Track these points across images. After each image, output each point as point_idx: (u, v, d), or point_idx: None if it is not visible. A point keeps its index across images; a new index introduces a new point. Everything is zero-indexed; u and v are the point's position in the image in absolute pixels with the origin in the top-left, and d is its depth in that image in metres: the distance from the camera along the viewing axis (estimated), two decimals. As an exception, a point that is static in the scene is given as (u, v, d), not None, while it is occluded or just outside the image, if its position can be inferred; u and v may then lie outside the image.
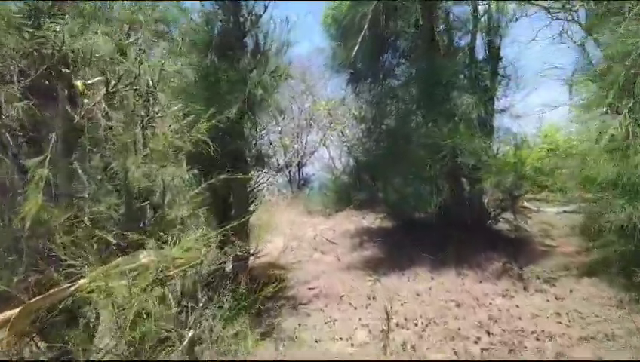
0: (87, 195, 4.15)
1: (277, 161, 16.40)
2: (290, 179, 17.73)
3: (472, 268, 6.68)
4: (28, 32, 3.90)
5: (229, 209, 6.87)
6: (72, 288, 3.46)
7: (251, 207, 7.08)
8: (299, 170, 17.50)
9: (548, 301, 5.71)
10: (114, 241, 4.00)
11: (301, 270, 7.28)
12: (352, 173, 11.03)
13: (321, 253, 7.92)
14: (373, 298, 6.09)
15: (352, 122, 13.24)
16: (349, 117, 13.35)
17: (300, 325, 5.59)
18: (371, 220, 9.27)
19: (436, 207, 7.48)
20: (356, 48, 8.14)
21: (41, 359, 3.66)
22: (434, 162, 7.02)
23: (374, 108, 10.64)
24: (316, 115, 14.99)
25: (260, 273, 6.99)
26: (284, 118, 16.70)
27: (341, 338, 5.21)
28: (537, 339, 4.86)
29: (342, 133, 14.18)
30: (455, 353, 4.73)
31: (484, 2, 8.28)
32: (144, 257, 3.78)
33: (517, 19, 8.05)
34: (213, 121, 4.67)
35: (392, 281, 6.59)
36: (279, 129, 17.17)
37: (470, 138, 6.88)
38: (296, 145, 15.02)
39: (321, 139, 14.92)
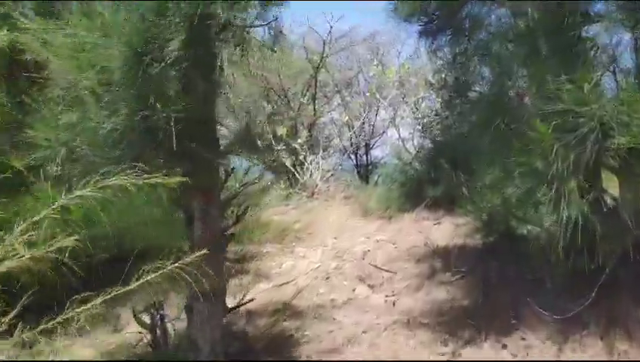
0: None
1: (340, 142, 13.50)
2: (357, 164, 14.73)
3: (635, 339, 3.52)
4: None
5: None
6: None
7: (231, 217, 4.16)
8: (366, 154, 14.46)
9: None
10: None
11: (329, 323, 4.38)
12: (426, 159, 7.90)
13: (369, 288, 4.96)
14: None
15: (427, 92, 10.04)
16: (424, 86, 10.13)
17: None
18: (450, 230, 6.13)
19: (562, 221, 4.26)
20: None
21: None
22: (563, 147, 3.83)
23: (457, 71, 7.47)
24: (385, 85, 11.87)
25: (256, 330, 4.18)
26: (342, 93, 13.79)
27: None
28: None
29: (416, 107, 11.02)
30: None
31: None
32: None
33: None
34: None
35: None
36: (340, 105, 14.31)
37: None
38: (356, 124, 11.95)
39: (391, 116, 11.77)
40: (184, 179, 2.39)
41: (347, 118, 11.79)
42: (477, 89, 6.92)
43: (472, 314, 4.18)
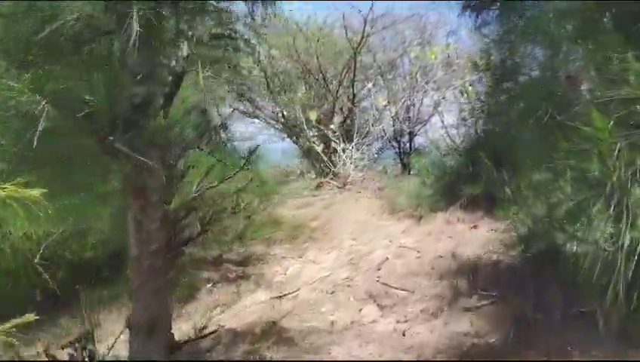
0: None
1: (382, 128, 12.52)
2: (400, 152, 13.73)
3: None
4: None
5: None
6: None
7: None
8: (410, 141, 13.42)
9: None
10: None
11: (322, 354, 3.55)
12: (466, 151, 6.90)
13: (378, 308, 4.08)
14: None
15: (475, 75, 8.94)
16: (471, 68, 9.06)
17: None
18: (485, 237, 5.16)
19: (623, 245, 3.28)
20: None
21: None
22: (628, 146, 2.85)
23: (504, 51, 6.43)
24: (431, 67, 10.80)
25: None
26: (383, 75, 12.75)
27: None
28: None
29: (462, 91, 9.92)
30: None
31: None
32: None
33: None
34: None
35: None
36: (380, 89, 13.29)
37: None
38: (392, 109, 10.92)
39: (435, 101, 10.70)
40: (43, 190, 1.62)
41: (386, 102, 10.77)
42: (527, 72, 5.93)
43: (499, 355, 3.26)
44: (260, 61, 11.94)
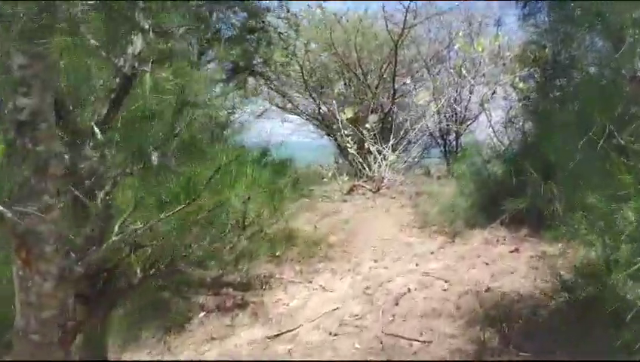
0: None
1: (427, 126, 11.54)
2: (445, 152, 12.74)
3: None
4: None
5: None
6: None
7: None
8: (456, 140, 12.41)
9: None
10: None
11: None
12: (510, 158, 5.98)
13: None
14: None
15: (525, 70, 7.91)
16: (518, 61, 8.05)
17: None
18: (528, 265, 4.29)
19: None
20: None
21: None
22: None
23: (559, 41, 5.48)
24: (479, 61, 9.77)
25: None
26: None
27: None
28: None
29: (515, 86, 8.85)
30: None
31: None
32: None
33: None
34: None
35: None
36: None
37: None
38: (435, 105, 9.93)
39: (481, 97, 9.67)
40: None
41: (428, 98, 9.83)
42: (583, 68, 4.99)
43: None
44: (295, 55, 11.26)
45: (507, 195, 5.29)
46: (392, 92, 11.02)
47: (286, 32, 10.02)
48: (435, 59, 11.65)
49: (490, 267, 4.37)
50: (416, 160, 10.35)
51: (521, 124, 7.36)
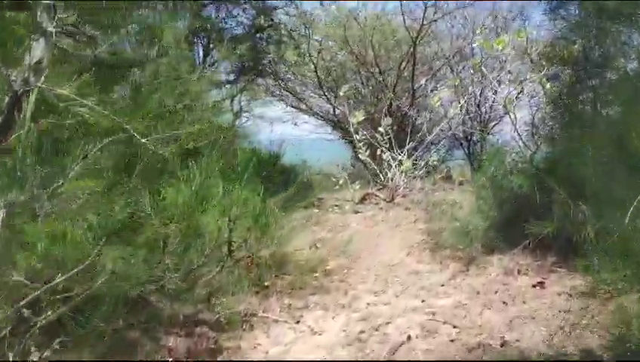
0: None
1: (449, 126, 10.68)
2: (469, 154, 11.86)
3: None
4: None
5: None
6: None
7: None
8: (481, 143, 11.51)
9: None
10: None
11: None
12: (533, 172, 5.17)
13: None
14: None
15: (553, 68, 7.06)
16: (545, 59, 7.18)
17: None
18: (555, 306, 3.53)
19: None
20: None
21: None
22: None
23: (592, 37, 4.69)
24: (501, 58, 8.90)
25: None
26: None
27: None
28: None
29: (543, 85, 7.93)
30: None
31: None
32: None
33: None
34: None
35: None
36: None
37: None
38: (455, 105, 9.05)
39: (505, 98, 8.79)
40: None
41: (441, 99, 8.99)
42: (619, 66, 4.23)
43: None
44: (309, 54, 10.56)
45: (532, 215, 4.51)
46: (410, 92, 10.24)
47: (297, 30, 9.32)
48: (457, 56, 10.79)
49: (508, 309, 3.62)
50: (436, 163, 9.52)
51: (548, 130, 6.57)
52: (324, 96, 10.82)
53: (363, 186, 8.37)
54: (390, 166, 7.84)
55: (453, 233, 5.04)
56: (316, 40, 10.24)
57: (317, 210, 7.63)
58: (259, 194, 4.43)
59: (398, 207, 7.41)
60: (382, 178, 8.11)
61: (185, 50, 7.06)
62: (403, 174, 7.68)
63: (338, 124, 10.88)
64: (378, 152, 7.84)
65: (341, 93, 8.28)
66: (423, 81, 10.44)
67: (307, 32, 9.93)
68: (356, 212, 7.31)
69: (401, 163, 7.70)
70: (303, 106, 11.23)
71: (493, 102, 11.16)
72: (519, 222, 4.60)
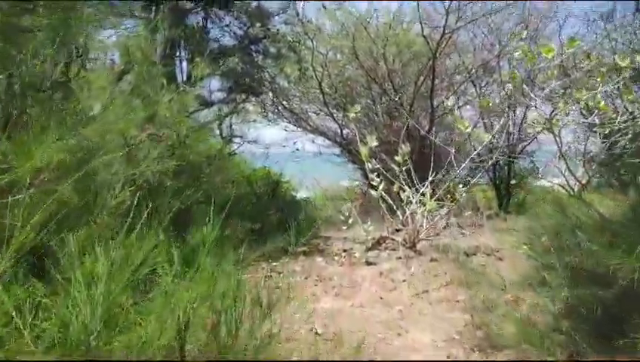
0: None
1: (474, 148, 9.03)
2: (494, 179, 10.19)
3: None
4: None
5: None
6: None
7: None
8: (508, 169, 9.86)
9: None
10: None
11: None
12: (599, 225, 3.52)
13: None
14: None
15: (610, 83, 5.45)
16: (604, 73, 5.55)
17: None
18: None
19: None
20: None
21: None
22: None
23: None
24: (540, 71, 7.31)
25: None
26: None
27: None
28: None
29: (589, 104, 6.32)
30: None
31: None
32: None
33: None
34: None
35: None
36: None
37: None
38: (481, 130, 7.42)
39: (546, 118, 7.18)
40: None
41: (468, 126, 7.40)
42: None
43: None
44: (314, 68, 9.02)
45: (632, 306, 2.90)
46: (429, 110, 8.66)
47: (299, 41, 7.77)
48: (482, 69, 9.19)
49: None
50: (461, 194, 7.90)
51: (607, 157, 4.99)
52: (329, 116, 9.28)
53: (376, 223, 6.75)
54: (410, 202, 6.22)
55: (514, 327, 3.41)
56: (321, 53, 8.70)
57: (320, 258, 6.05)
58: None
59: (422, 256, 5.81)
60: (400, 216, 6.50)
61: (155, 64, 5.58)
62: (426, 214, 6.06)
63: (347, 146, 9.31)
64: (395, 186, 6.22)
65: (351, 115, 6.66)
66: (444, 99, 8.84)
67: (310, 43, 8.39)
68: (369, 263, 5.71)
69: (422, 200, 6.06)
70: (307, 126, 9.65)
71: (522, 121, 9.57)
72: (614, 318, 3.00)
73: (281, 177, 10.07)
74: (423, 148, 8.41)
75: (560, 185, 5.13)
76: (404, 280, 5.01)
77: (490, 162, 9.26)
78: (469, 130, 5.90)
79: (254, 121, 8.00)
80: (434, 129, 8.80)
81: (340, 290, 4.87)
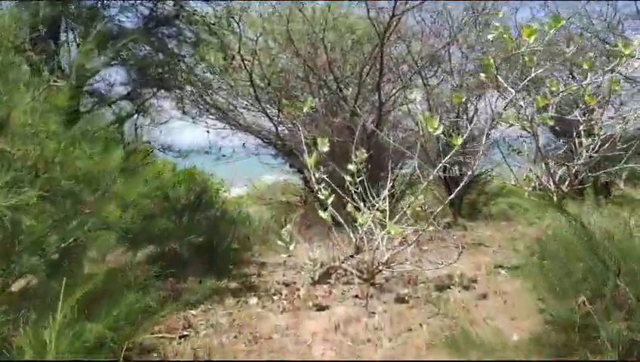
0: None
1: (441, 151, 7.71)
2: (446, 180, 8.99)
3: None
4: None
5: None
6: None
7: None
8: (460, 166, 8.69)
9: None
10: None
11: None
12: None
13: None
14: None
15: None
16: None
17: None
18: None
19: None
20: None
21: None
22: None
23: None
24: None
25: None
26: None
27: None
28: None
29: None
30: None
31: None
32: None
33: None
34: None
35: None
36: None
37: None
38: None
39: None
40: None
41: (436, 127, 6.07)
42: None
43: None
44: (241, 57, 7.39)
45: None
46: (377, 105, 7.30)
47: (222, 24, 6.17)
48: (428, 59, 7.91)
49: None
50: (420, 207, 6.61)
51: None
52: (261, 112, 7.72)
53: (321, 239, 5.31)
54: (365, 223, 4.79)
55: None
56: (249, 38, 7.12)
57: (255, 300, 4.55)
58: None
59: (385, 294, 4.44)
60: (352, 237, 5.06)
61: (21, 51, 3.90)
62: (385, 240, 4.65)
63: (285, 147, 7.77)
64: (349, 207, 4.76)
65: (305, 110, 5.14)
66: (394, 91, 7.52)
67: (236, 26, 6.79)
68: (319, 308, 4.26)
69: (381, 221, 4.65)
70: (235, 124, 8.01)
71: (474, 115, 8.45)
72: None
73: (210, 180, 8.45)
74: (373, 149, 7.06)
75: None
76: (368, 340, 3.60)
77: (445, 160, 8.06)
78: (438, 131, 4.51)
79: (166, 122, 6.31)
80: (382, 126, 7.47)
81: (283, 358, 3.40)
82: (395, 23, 6.72)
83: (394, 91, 7.63)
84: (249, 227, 7.23)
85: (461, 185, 4.54)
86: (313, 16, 7.38)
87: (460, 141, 4.53)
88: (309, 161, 4.43)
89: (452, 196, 4.91)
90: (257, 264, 5.72)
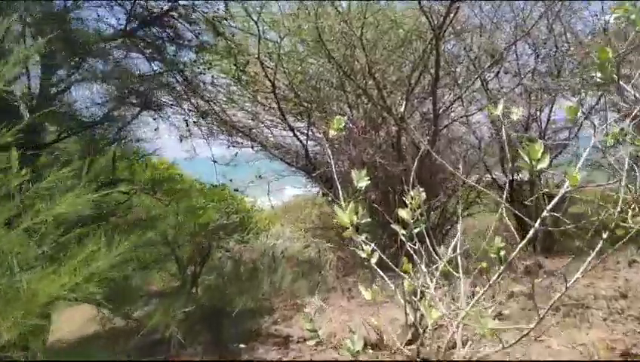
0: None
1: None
2: (512, 197, 7.14)
3: None
4: None
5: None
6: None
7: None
8: (531, 186, 6.86)
9: None
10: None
11: None
12: None
13: None
14: None
15: None
16: None
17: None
18: None
19: None
20: None
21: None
22: None
23: None
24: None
25: None
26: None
27: None
28: None
29: None
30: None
31: None
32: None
33: None
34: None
35: None
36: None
37: None
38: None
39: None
40: None
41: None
42: None
43: None
44: (261, 63, 5.78)
45: None
46: (432, 117, 5.60)
47: (224, 18, 4.64)
48: (499, 56, 6.11)
49: None
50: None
51: None
52: (288, 129, 6.15)
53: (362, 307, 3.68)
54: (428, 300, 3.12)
55: None
56: (269, 40, 5.59)
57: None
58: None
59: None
60: (410, 316, 3.37)
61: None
62: (461, 325, 2.96)
63: (314, 170, 6.13)
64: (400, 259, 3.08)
65: (331, 133, 3.50)
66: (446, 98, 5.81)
67: (255, 26, 5.26)
68: None
69: (453, 302, 2.97)
70: (255, 145, 6.43)
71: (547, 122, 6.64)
72: None
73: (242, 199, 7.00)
74: (426, 173, 5.37)
75: None
76: None
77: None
78: (543, 165, 2.78)
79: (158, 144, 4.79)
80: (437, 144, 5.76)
81: None
82: (454, 12, 5.05)
83: (451, 98, 5.91)
84: (276, 271, 5.65)
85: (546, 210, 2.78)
86: (348, 11, 5.75)
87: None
88: (343, 217, 2.78)
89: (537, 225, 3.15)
90: (280, 339, 4.11)
